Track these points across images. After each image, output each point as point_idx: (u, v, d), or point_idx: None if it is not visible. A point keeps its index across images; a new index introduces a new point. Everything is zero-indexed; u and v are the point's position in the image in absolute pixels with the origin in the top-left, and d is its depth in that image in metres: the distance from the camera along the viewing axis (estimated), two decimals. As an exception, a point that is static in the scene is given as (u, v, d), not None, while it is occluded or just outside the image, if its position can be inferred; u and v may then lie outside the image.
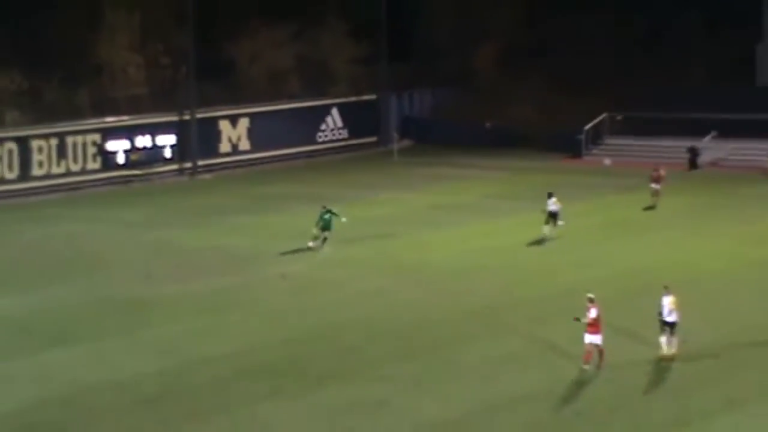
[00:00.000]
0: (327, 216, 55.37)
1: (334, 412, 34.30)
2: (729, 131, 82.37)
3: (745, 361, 38.21)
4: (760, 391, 35.38)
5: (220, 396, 35.63)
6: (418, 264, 52.78)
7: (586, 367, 36.48)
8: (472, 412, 34.07)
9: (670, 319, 37.32)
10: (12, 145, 72.53)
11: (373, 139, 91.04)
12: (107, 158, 76.22)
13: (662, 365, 36.95)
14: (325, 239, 55.22)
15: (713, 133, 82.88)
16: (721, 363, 37.97)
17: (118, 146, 76.66)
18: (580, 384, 35.93)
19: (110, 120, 78.15)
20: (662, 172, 65.26)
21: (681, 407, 34.20)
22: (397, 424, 33.31)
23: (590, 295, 37.07)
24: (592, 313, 36.60)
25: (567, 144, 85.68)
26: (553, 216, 56.36)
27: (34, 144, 73.37)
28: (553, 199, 56.68)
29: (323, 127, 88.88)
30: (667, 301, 37.41)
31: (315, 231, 55.27)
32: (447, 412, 34.10)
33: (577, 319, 36.91)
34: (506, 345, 40.27)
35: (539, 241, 56.59)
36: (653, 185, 64.56)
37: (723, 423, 33.11)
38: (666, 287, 37.78)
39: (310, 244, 55.10)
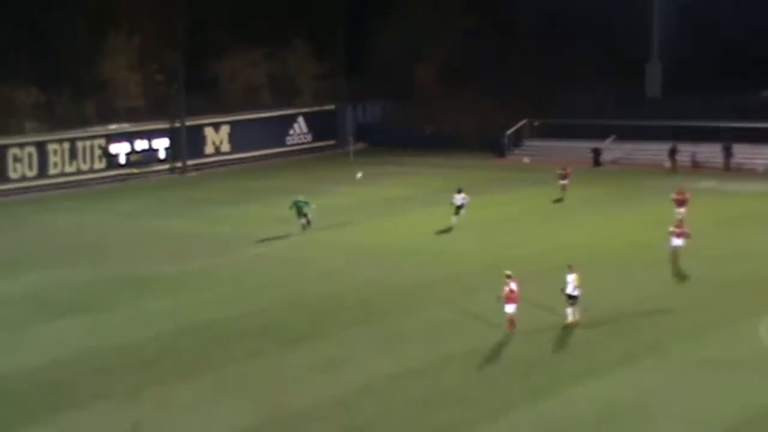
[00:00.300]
0: (300, 204, 55.83)
1: (305, 368, 34.60)
2: (625, 135, 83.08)
3: (639, 325, 38.62)
4: (652, 349, 35.83)
5: (209, 357, 35.86)
6: (373, 246, 52.99)
7: (507, 329, 37.00)
8: (419, 367, 34.45)
9: (573, 293, 37.62)
10: (31, 149, 72.53)
11: (333, 142, 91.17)
12: (111, 159, 76.20)
13: (568, 330, 37.32)
14: (308, 222, 55.74)
15: (612, 137, 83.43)
16: (619, 327, 38.41)
17: (120, 149, 76.69)
18: (503, 345, 36.30)
19: (113, 127, 78.13)
20: (568, 170, 65.57)
21: (586, 362, 34.65)
22: (358, 377, 33.65)
23: (507, 272, 37.46)
24: (513, 286, 37.11)
25: (494, 145, 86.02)
26: (459, 208, 56.25)
27: (50, 148, 73.34)
28: (462, 195, 56.53)
29: (291, 132, 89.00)
30: (571, 278, 37.68)
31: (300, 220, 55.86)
32: (398, 367, 34.44)
33: (498, 299, 37.23)
34: (444, 312, 40.58)
35: (470, 227, 56.61)
36: (561, 181, 64.83)
37: (622, 374, 33.62)
38: (570, 266, 38.07)
39: (303, 221, 55.74)
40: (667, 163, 78.43)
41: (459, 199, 56.54)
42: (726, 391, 32.12)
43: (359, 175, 65.90)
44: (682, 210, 54.42)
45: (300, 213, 55.79)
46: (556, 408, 31.05)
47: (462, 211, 56.45)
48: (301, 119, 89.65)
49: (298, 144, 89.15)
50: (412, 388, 32.81)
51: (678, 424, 29.64)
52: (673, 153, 79.08)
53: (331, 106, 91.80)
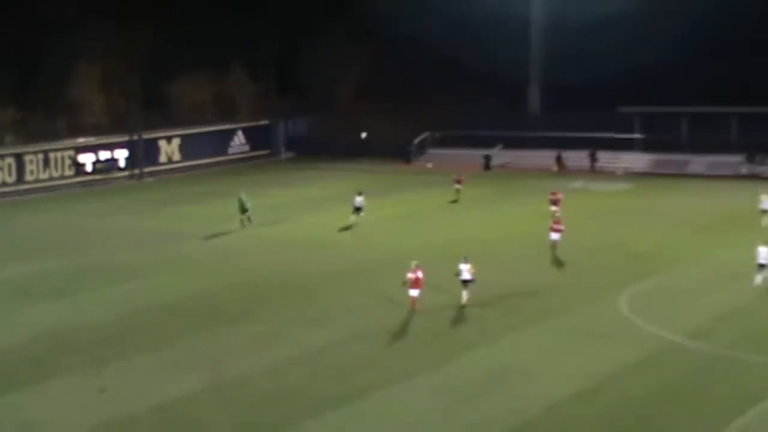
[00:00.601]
0: (243, 201, 55.74)
1: (244, 342, 34.68)
2: (511, 144, 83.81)
3: (522, 302, 39.14)
4: (533, 321, 36.43)
5: (163, 333, 35.83)
6: (300, 238, 52.88)
7: (413, 309, 37.16)
8: (340, 340, 34.73)
9: (466, 278, 37.76)
10: (11, 160, 71.28)
11: (267, 151, 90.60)
12: (79, 168, 75.14)
13: (463, 309, 37.56)
14: (248, 219, 55.36)
15: (500, 145, 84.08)
16: (505, 304, 38.87)
17: (86, 159, 75.59)
18: (408, 321, 36.58)
19: (81, 140, 76.99)
20: (462, 177, 65.04)
21: (479, 333, 35.13)
22: (289, 348, 33.78)
23: (415, 262, 37.62)
24: (419, 274, 37.26)
25: (402, 153, 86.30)
26: (357, 209, 55.47)
27: (27, 158, 72.06)
28: (361, 198, 55.74)
29: (232, 143, 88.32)
30: (465, 267, 37.79)
31: (241, 216, 55.52)
32: (322, 340, 34.64)
33: (404, 284, 37.45)
34: (360, 294, 40.71)
35: (381, 221, 56.82)
36: (456, 186, 64.35)
37: (508, 342, 34.20)
38: (465, 258, 38.13)
39: (244, 217, 55.43)
40: (555, 167, 79.29)
41: (358, 201, 55.72)
42: (592, 353, 32.77)
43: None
44: (555, 208, 54.55)
45: (242, 210, 55.68)
46: (454, 371, 31.40)
47: (361, 212, 55.61)
48: (240, 132, 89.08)
49: (237, 153, 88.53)
50: (334, 357, 32.99)
51: (554, 380, 30.17)
52: (559, 159, 79.96)
53: (266, 121, 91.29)
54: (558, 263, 45.61)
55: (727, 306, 37.91)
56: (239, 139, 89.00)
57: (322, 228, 55.36)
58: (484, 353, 33.00)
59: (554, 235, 46.86)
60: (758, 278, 39.55)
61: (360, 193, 56.21)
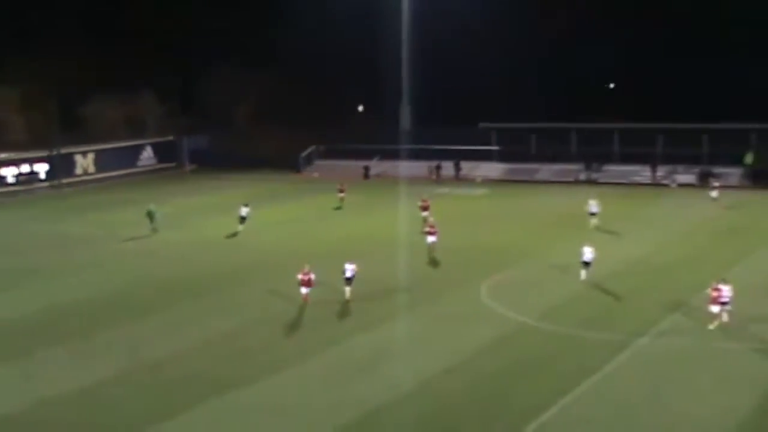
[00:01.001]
0: (152, 211, 55.04)
1: (153, 332, 34.50)
2: (387, 155, 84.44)
3: (398, 293, 39.44)
4: (409, 309, 36.97)
5: (81, 325, 35.45)
6: (201, 240, 52.58)
7: (304, 303, 37.06)
8: (240, 327, 34.78)
9: (349, 276, 37.69)
10: (-60, 173, 69.51)
11: (173, 164, 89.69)
12: (2, 180, 73.39)
13: (348, 303, 37.53)
14: (155, 228, 54.38)
15: (378, 157, 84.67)
16: (385, 295, 39.05)
17: (9, 172, 73.76)
18: (300, 312, 36.69)
19: (3, 156, 75.09)
20: (344, 186, 64.49)
21: (362, 321, 35.48)
22: (196, 336, 33.73)
23: (307, 265, 37.30)
24: (312, 276, 37.10)
25: (292, 164, 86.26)
26: (243, 219, 53.82)
27: (-45, 172, 70.42)
28: (247, 208, 54.28)
29: (141, 157, 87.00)
30: (350, 267, 37.73)
31: (150, 224, 54.56)
32: (226, 327, 34.78)
33: (298, 284, 37.35)
34: (253, 289, 40.55)
35: (273, 225, 56.89)
36: (339, 194, 63.75)
37: (388, 327, 34.55)
38: (352, 260, 38.10)
39: (154, 225, 54.47)
40: (434, 176, 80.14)
41: (244, 211, 54.16)
42: (458, 335, 33.45)
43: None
44: (426, 213, 54.20)
45: (151, 218, 54.94)
46: (340, 354, 31.75)
47: (246, 221, 53.96)
48: (148, 147, 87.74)
49: (146, 166, 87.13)
50: (235, 342, 33.06)
51: (426, 359, 30.75)
52: (438, 168, 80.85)
53: (171, 138, 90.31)
54: (432, 262, 45.45)
55: (568, 293, 38.91)
56: (148, 153, 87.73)
57: (221, 231, 54.62)
58: (365, 338, 33.33)
59: (430, 238, 46.43)
60: (583, 273, 40.25)
61: (246, 204, 54.85)
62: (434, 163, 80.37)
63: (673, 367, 29.61)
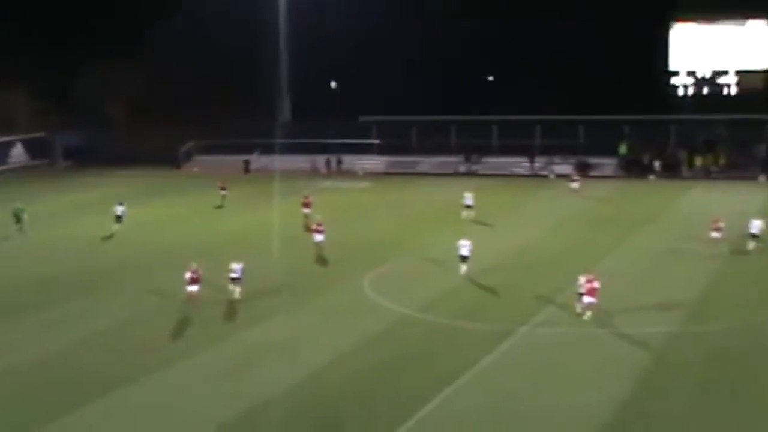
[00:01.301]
0: (18, 211, 53.72)
1: (38, 330, 34.27)
2: (268, 149, 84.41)
3: (283, 291, 39.00)
4: (292, 305, 37.12)
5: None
6: (80, 237, 51.85)
7: (191, 301, 36.73)
8: (124, 323, 34.89)
9: (236, 276, 37.50)
10: None
11: (47, 161, 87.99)
12: None
13: (235, 301, 37.52)
14: (21, 229, 52.92)
15: (258, 151, 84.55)
16: (269, 293, 39.01)
17: None
18: (186, 309, 36.61)
19: None
20: (226, 184, 63.80)
21: (248, 317, 35.65)
22: (79, 334, 33.77)
23: (194, 263, 36.94)
24: (199, 272, 36.67)
25: (172, 160, 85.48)
26: (119, 218, 52.81)
27: None
28: (122, 207, 53.43)
29: (12, 154, 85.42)
30: (237, 267, 37.51)
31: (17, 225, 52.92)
32: (109, 324, 34.88)
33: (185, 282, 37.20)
34: (135, 287, 40.44)
35: (152, 222, 56.44)
36: (221, 192, 63.08)
37: (273, 322, 34.76)
38: (237, 260, 37.93)
39: (21, 225, 52.95)
40: (324, 170, 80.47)
41: (119, 209, 53.26)
42: (343, 328, 34.09)
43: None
44: (307, 210, 54.02)
45: (18, 218, 53.42)
46: (226, 350, 31.98)
47: (123, 220, 53.02)
48: (19, 144, 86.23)
49: (17, 163, 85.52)
50: (116, 341, 32.99)
51: (312, 352, 31.28)
52: (328, 163, 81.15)
53: (43, 134, 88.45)
54: (320, 260, 45.31)
55: (448, 285, 39.82)
56: (18, 150, 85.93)
57: (96, 230, 53.45)
58: (250, 335, 33.55)
59: (318, 237, 46.01)
60: (462, 267, 40.96)
61: (121, 203, 53.99)
62: (327, 157, 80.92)
63: (552, 355, 30.84)
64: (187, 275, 36.67)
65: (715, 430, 24.82)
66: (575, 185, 65.46)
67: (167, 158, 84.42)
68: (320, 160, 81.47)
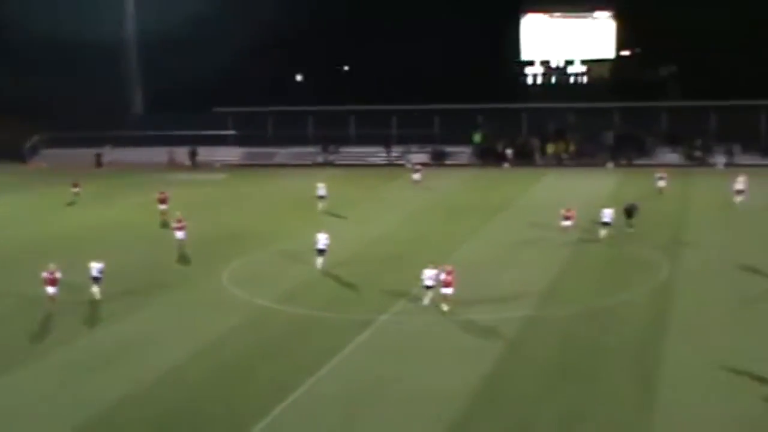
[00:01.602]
0: None
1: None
2: (120, 142, 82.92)
3: (143, 286, 39.13)
4: (153, 299, 36.89)
5: None
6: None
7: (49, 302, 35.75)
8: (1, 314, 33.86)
9: (96, 275, 36.63)
10: None
11: None
12: None
13: (93, 302, 36.62)
14: None
15: (110, 145, 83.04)
16: (130, 289, 38.60)
17: None
18: (41, 309, 35.79)
19: None
20: (78, 182, 62.17)
21: (108, 313, 35.24)
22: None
23: (52, 264, 35.97)
24: (57, 274, 35.67)
25: (17, 155, 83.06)
26: None
27: None
28: None
29: None
30: (97, 266, 36.65)
31: None
32: None
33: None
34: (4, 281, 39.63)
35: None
36: (73, 189, 61.25)
37: (135, 316, 34.40)
38: (97, 260, 36.99)
39: None
40: (188, 162, 79.46)
41: None
42: (204, 321, 34.04)
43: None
44: (164, 207, 53.17)
45: None
46: (83, 349, 31.46)
47: None
48: None
49: None
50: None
51: (173, 346, 31.14)
52: (193, 155, 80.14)
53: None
54: (182, 257, 44.61)
55: (306, 277, 40.15)
56: None
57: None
58: (108, 333, 33.13)
59: (179, 234, 45.16)
60: (319, 261, 41.01)
61: None
62: (182, 149, 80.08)
63: (412, 342, 31.53)
64: (44, 275, 35.72)
65: (570, 410, 25.91)
66: (417, 176, 66.37)
67: (12, 153, 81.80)
68: (178, 152, 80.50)
